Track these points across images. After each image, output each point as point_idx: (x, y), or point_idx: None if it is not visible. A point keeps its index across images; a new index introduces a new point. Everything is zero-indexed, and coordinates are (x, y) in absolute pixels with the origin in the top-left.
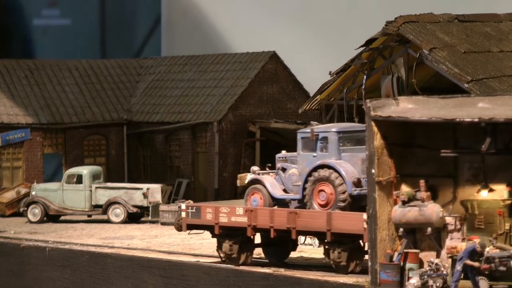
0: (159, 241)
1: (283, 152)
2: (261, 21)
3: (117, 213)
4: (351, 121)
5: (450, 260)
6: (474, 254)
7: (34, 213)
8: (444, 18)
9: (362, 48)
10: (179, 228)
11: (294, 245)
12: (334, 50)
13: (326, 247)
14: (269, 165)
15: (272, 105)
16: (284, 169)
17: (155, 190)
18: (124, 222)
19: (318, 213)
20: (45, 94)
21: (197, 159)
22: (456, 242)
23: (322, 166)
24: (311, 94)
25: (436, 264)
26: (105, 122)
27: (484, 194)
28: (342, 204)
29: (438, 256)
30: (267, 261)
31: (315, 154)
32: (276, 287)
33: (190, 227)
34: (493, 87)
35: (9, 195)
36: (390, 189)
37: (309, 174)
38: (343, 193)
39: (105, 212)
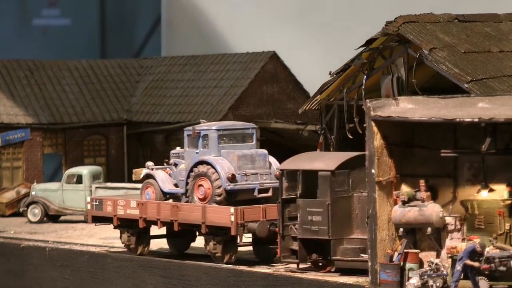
0: (157, 241)
1: (178, 148)
2: (261, 21)
3: None
4: (351, 122)
5: (450, 260)
6: (474, 254)
7: (34, 213)
8: (444, 18)
9: (362, 48)
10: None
11: (193, 237)
12: (334, 50)
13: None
14: (167, 160)
15: (272, 105)
16: (176, 165)
17: None
18: None
19: (195, 206)
20: (45, 94)
21: None
22: (456, 242)
23: (202, 162)
24: (311, 94)
25: (436, 264)
26: (105, 122)
27: (484, 194)
28: (218, 198)
29: (438, 256)
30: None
31: (197, 151)
32: (276, 287)
33: (95, 219)
34: (493, 87)
35: (9, 195)
36: (390, 189)
37: (191, 170)
38: (219, 188)
39: None
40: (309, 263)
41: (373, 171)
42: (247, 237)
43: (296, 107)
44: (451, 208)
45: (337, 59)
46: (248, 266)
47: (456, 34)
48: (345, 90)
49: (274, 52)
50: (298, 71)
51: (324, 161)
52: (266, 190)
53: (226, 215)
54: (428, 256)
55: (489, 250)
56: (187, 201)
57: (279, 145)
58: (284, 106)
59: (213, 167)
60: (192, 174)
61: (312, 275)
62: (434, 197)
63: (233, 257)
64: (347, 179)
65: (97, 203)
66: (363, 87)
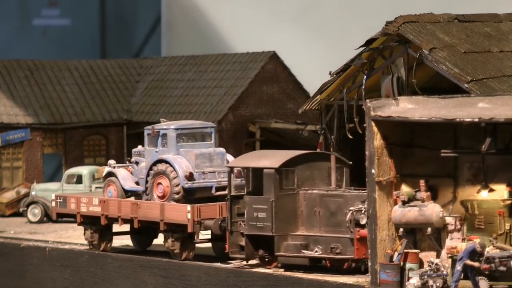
0: (156, 240)
1: (139, 147)
2: (261, 21)
3: None
4: (351, 122)
5: (450, 260)
6: (474, 254)
7: (34, 213)
8: (444, 18)
9: (362, 48)
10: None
11: (156, 234)
12: (334, 50)
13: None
14: (129, 158)
15: (272, 105)
16: (137, 163)
17: None
18: None
19: (153, 204)
20: (45, 94)
21: None
22: (456, 242)
23: (161, 161)
24: (311, 94)
25: (436, 264)
26: (105, 122)
27: (484, 194)
28: (176, 196)
29: (438, 256)
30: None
31: (157, 150)
32: (276, 287)
33: (60, 215)
34: (493, 87)
35: (9, 195)
36: (390, 189)
37: (150, 168)
38: (177, 186)
39: None
40: (257, 259)
41: (373, 171)
42: (206, 234)
43: (296, 107)
44: (451, 208)
45: (337, 59)
46: (208, 262)
47: (456, 34)
48: (345, 90)
49: (274, 52)
50: (298, 71)
51: (270, 159)
52: (223, 188)
53: (183, 213)
54: (428, 256)
55: (489, 250)
56: (147, 199)
57: (279, 145)
58: (284, 106)
59: (171, 165)
60: (152, 172)
61: (312, 275)
62: (434, 197)
63: (191, 254)
64: (292, 177)
65: (61, 200)
66: (363, 87)
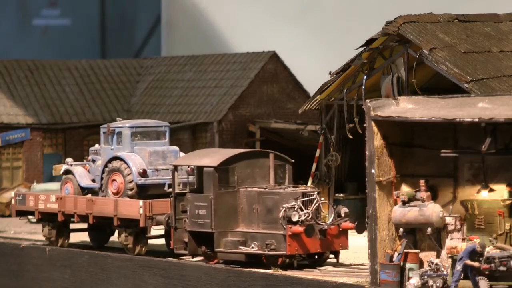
0: (156, 240)
1: (96, 145)
2: (261, 21)
3: None
4: (351, 122)
5: (450, 260)
6: (474, 254)
7: None
8: (444, 18)
9: (362, 48)
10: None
11: (111, 231)
12: (334, 50)
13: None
14: (86, 157)
15: (272, 105)
16: (94, 161)
17: None
18: None
19: (108, 200)
20: (45, 94)
21: None
22: (456, 242)
23: (115, 158)
24: (311, 94)
25: (436, 264)
26: (105, 122)
27: (484, 194)
28: (130, 192)
29: (438, 256)
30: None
31: (112, 147)
32: (276, 287)
33: (19, 213)
34: (493, 87)
35: (9, 195)
36: (390, 189)
37: (105, 165)
38: (131, 182)
39: None
40: (200, 255)
41: (373, 171)
42: (159, 229)
43: (296, 107)
44: (451, 208)
45: (337, 59)
46: (160, 257)
47: (456, 34)
48: (345, 90)
49: (274, 52)
50: (298, 71)
51: (210, 157)
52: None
53: (135, 208)
54: (428, 256)
55: (489, 250)
56: (103, 195)
57: (279, 145)
58: (284, 106)
59: (125, 162)
60: (107, 169)
61: (312, 275)
62: (434, 197)
63: (143, 249)
64: (232, 175)
65: (20, 198)
66: (363, 87)
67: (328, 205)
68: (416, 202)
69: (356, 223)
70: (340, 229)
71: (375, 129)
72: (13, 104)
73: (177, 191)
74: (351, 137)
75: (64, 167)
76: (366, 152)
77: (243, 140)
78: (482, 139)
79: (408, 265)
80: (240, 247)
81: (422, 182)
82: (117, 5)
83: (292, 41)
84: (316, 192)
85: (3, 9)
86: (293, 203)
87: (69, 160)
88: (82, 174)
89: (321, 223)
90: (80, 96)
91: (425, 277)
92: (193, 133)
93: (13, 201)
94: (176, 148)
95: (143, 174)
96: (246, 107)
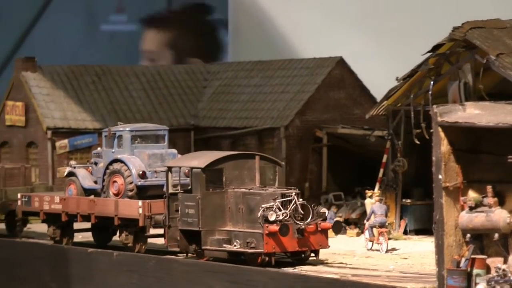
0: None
1: (99, 148)
2: (328, 27)
3: None
4: (418, 127)
5: None
6: None
7: None
8: (511, 24)
9: (428, 54)
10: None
11: (114, 231)
12: (400, 55)
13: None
14: (89, 159)
15: (339, 110)
16: (96, 163)
17: None
18: None
19: (109, 200)
20: (112, 99)
21: None
22: None
23: (116, 160)
24: (378, 100)
25: (503, 270)
26: (172, 128)
27: None
28: (130, 193)
29: (505, 262)
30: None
31: (113, 150)
32: None
33: (25, 213)
34: None
35: None
36: (457, 194)
37: (107, 167)
38: (130, 183)
39: None
40: (192, 252)
41: (440, 176)
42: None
43: (363, 113)
44: None
45: (403, 65)
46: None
47: None
48: (411, 96)
49: (341, 58)
50: (365, 76)
51: (199, 159)
52: (174, 186)
53: (135, 208)
54: (495, 262)
55: None
56: (104, 196)
57: (346, 150)
58: (351, 111)
59: (125, 164)
60: (108, 171)
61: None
62: (501, 203)
63: (143, 247)
64: (220, 176)
65: (26, 199)
66: (430, 92)
67: (306, 205)
68: (483, 208)
69: (333, 223)
70: (319, 228)
71: (441, 134)
72: (80, 110)
73: (171, 191)
74: (418, 142)
75: (67, 169)
76: (433, 158)
77: (310, 146)
78: None
79: (475, 271)
80: (224, 245)
81: (489, 188)
82: None
83: (359, 47)
84: (294, 193)
85: (71, 15)
86: (272, 203)
87: (72, 162)
88: (85, 176)
89: (299, 223)
90: (147, 101)
91: (492, 283)
92: (260, 139)
93: (19, 202)
94: (174, 151)
95: (143, 175)
96: (313, 113)
